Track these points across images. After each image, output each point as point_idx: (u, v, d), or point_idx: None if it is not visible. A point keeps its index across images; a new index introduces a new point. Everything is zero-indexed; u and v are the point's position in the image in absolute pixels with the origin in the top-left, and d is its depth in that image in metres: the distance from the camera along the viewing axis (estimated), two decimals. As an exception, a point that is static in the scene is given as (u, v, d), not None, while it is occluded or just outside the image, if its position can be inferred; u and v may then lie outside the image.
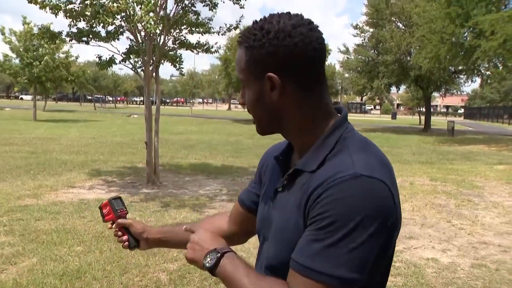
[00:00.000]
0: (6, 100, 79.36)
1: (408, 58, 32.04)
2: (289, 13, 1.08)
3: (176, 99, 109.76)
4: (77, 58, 35.65)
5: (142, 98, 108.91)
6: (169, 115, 44.77)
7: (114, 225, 1.68)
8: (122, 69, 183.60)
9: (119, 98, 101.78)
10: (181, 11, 9.95)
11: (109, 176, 10.86)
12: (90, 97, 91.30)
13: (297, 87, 1.06)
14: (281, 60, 1.03)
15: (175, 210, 7.78)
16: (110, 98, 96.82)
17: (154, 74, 10.16)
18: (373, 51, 35.10)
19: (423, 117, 40.43)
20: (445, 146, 22.55)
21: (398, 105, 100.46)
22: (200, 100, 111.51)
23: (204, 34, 10.40)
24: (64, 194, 8.77)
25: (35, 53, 29.85)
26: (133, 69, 10.63)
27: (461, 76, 33.19)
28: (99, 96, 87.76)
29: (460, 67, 29.61)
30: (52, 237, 5.96)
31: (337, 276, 0.90)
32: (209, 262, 1.15)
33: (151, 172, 9.99)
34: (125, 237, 1.65)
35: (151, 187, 9.68)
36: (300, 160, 1.10)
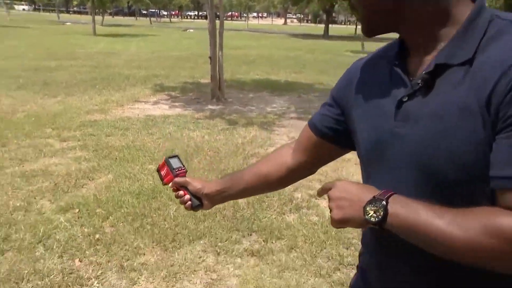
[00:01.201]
0: (66, 15, 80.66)
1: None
2: None
3: (230, 13, 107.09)
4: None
5: (196, 13, 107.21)
6: (226, 29, 43.69)
7: (171, 185, 1.48)
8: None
9: (173, 13, 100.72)
10: None
11: (172, 92, 10.69)
12: (145, 12, 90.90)
13: None
14: None
15: (244, 128, 7.49)
16: (165, 13, 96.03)
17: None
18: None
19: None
20: None
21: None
22: (255, 14, 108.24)
23: None
24: (130, 110, 8.69)
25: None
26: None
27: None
28: (154, 10, 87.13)
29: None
30: (124, 154, 5.88)
31: None
32: (376, 215, 0.90)
33: (216, 88, 9.66)
34: (186, 197, 1.43)
35: (216, 104, 9.41)
36: (439, 54, 0.90)
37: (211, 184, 1.44)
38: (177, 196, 1.46)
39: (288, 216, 4.23)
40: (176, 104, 9.39)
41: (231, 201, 4.43)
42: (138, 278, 3.09)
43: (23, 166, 5.28)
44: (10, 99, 9.27)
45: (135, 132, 7.04)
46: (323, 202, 4.56)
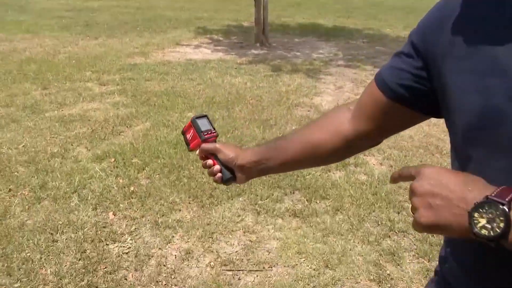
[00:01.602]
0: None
1: None
2: None
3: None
4: None
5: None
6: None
7: (198, 152, 1.22)
8: None
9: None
10: None
11: (215, 35, 10.29)
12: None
13: None
14: None
15: (288, 76, 7.08)
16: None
17: None
18: None
19: None
20: None
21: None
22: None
23: None
24: (171, 53, 8.42)
25: None
26: None
27: None
28: None
29: None
30: (163, 100, 5.67)
31: None
32: (490, 226, 0.60)
33: (260, 31, 9.18)
34: (216, 168, 1.17)
35: (259, 48, 8.97)
36: None
37: (246, 153, 1.15)
38: (205, 166, 1.19)
39: (334, 173, 3.92)
40: (218, 48, 9.02)
41: (273, 155, 4.16)
42: (173, 236, 2.92)
43: (62, 111, 5.18)
44: (53, 40, 9.20)
45: (175, 77, 6.80)
46: (373, 160, 4.21)
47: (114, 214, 3.14)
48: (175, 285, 2.49)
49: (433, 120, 3.96)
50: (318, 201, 3.44)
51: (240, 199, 3.43)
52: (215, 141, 1.20)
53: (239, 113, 5.28)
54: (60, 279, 2.48)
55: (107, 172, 3.72)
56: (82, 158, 3.97)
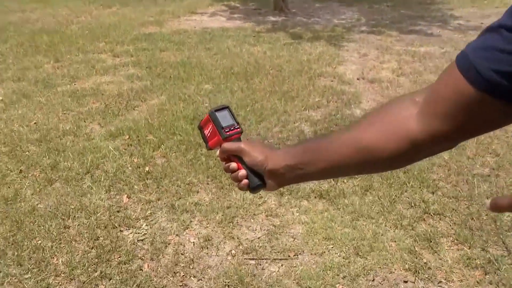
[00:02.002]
0: None
1: None
2: None
3: None
4: None
5: None
6: None
7: (218, 152, 0.99)
8: None
9: None
10: None
11: (232, 2, 9.89)
12: None
13: None
14: None
15: (309, 44, 6.73)
16: None
17: None
18: None
19: None
20: None
21: None
22: None
23: None
24: (186, 22, 8.11)
25: None
26: None
27: None
28: None
29: None
30: (179, 71, 5.42)
31: None
32: None
33: (278, -3, 8.77)
34: (241, 173, 0.94)
35: (278, 15, 8.57)
36: None
37: (278, 156, 0.91)
38: (228, 170, 0.97)
39: (361, 149, 3.65)
40: (235, 16, 8.65)
41: (295, 129, 3.92)
42: (191, 221, 2.73)
43: (74, 84, 4.99)
44: (66, 9, 8.96)
45: (191, 47, 6.52)
46: (402, 133, 3.92)
47: (129, 197, 2.96)
48: (194, 276, 2.32)
49: None
50: (345, 181, 3.20)
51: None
52: (239, 139, 0.97)
53: (259, 85, 5.01)
54: (72, 270, 2.33)
55: (121, 150, 3.53)
56: (95, 135, 3.79)
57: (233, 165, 0.94)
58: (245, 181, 0.93)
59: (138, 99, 4.60)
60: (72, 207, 2.83)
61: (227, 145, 0.95)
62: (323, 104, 4.54)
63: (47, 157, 3.41)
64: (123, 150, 3.54)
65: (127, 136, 3.75)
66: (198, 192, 3.03)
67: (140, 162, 3.36)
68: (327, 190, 3.07)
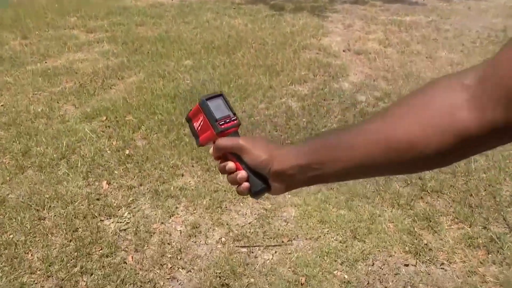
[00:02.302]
0: None
1: None
2: None
3: None
4: None
5: None
6: None
7: (212, 150, 0.80)
8: None
9: None
10: None
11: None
12: None
13: None
14: None
15: (292, 15, 6.49)
16: None
17: None
18: None
19: None
20: None
21: None
22: None
23: None
24: (163, -6, 7.73)
25: None
26: None
27: None
28: None
29: None
30: (157, 47, 5.14)
31: None
32: None
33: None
34: (241, 174, 0.76)
35: (258, -14, 8.25)
36: None
37: (286, 154, 0.74)
38: (224, 171, 0.79)
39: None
40: (214, -14, 8.30)
41: (282, 105, 3.74)
42: (176, 207, 2.55)
43: (45, 63, 4.68)
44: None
45: (168, 21, 6.21)
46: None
47: (108, 183, 2.76)
48: (182, 268, 2.16)
49: (454, 59, 3.41)
50: (337, 159, 3.05)
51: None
52: (236, 133, 0.79)
53: (242, 59, 4.78)
54: (49, 266, 2.14)
55: (98, 133, 3.30)
56: (69, 117, 3.54)
57: (231, 165, 0.76)
58: (246, 184, 0.75)
59: (114, 77, 4.34)
60: (47, 196, 2.62)
61: (223, 141, 0.76)
62: (309, 78, 4.35)
63: (18, 142, 3.16)
64: (101, 132, 3.31)
65: (105, 117, 3.52)
66: (182, 175, 2.84)
67: (120, 145, 3.14)
68: (319, 169, 2.92)
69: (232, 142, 0.75)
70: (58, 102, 3.78)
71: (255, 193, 0.75)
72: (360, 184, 2.77)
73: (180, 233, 2.37)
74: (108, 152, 3.06)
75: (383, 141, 0.66)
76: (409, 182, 2.81)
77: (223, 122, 0.77)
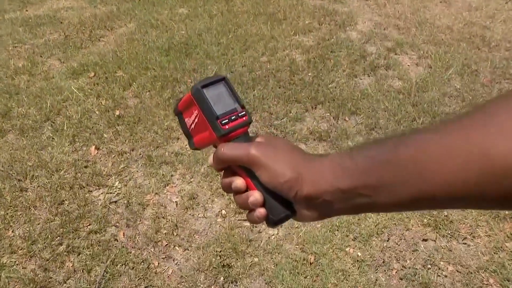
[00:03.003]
0: None
1: None
2: None
3: None
4: None
5: None
6: None
7: (211, 159, 0.53)
8: None
9: None
10: None
11: None
12: None
13: None
14: None
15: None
16: None
17: None
18: None
19: None
20: None
21: None
22: None
23: None
24: None
25: None
26: None
27: None
28: None
29: None
30: (149, -7, 4.73)
31: None
32: None
33: None
34: (254, 197, 0.50)
35: None
36: None
37: (322, 171, 0.49)
38: (228, 189, 0.54)
39: (361, 79, 3.22)
40: None
41: (285, 58, 3.43)
42: (171, 176, 2.33)
43: (26, 11, 4.30)
44: None
45: (161, -36, 5.72)
46: (406, 59, 3.48)
47: (97, 149, 2.52)
48: (179, 246, 1.96)
49: (472, 3, 3.02)
50: (347, 118, 2.80)
51: (252, 118, 2.78)
52: (246, 135, 0.54)
53: (241, 6, 4.40)
54: (32, 244, 1.94)
55: (86, 91, 3.02)
56: (54, 74, 3.25)
57: (239, 182, 0.51)
58: (262, 211, 0.51)
59: (103, 27, 3.99)
60: (29, 164, 2.39)
61: (227, 149, 0.51)
62: (314, 27, 4.00)
63: (-3, 102, 2.90)
64: (89, 90, 3.04)
65: (93, 74, 3.22)
66: (178, 139, 2.60)
67: (109, 104, 2.88)
68: (327, 130, 2.67)
69: (241, 151, 0.50)
70: (41, 56, 3.47)
71: (275, 223, 0.51)
72: (372, 147, 2.53)
73: (176, 205, 2.16)
74: (97, 113, 2.80)
75: (482, 164, 0.40)
76: (425, 144, 2.57)
77: (226, 120, 0.52)
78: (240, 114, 0.52)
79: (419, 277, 1.83)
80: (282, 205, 0.50)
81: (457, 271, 1.86)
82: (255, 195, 0.50)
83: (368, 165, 0.46)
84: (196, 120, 0.54)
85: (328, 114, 2.83)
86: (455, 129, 0.43)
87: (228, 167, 0.53)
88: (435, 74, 3.24)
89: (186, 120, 0.56)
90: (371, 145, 0.48)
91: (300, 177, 0.48)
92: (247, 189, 0.51)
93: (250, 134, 0.55)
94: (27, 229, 2.01)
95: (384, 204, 0.46)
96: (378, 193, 0.45)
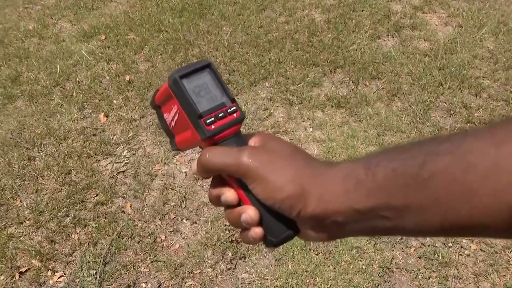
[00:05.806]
0: None
1: None
2: None
3: None
4: None
5: None
6: None
7: (196, 167, 0.42)
8: None
9: None
10: None
11: None
12: None
13: None
14: None
15: None
16: None
17: None
18: None
19: None
20: None
21: None
22: None
23: None
24: None
25: None
26: None
27: None
28: None
29: None
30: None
31: None
32: None
33: None
34: (248, 215, 0.40)
35: None
36: None
37: (332, 185, 0.38)
38: (217, 202, 0.43)
39: (384, 41, 3.02)
40: None
41: (304, 18, 3.24)
42: (181, 145, 2.24)
43: (39, -28, 4.17)
44: None
45: None
46: (434, 18, 3.24)
47: (106, 116, 2.45)
48: (187, 219, 1.90)
49: None
50: (367, 83, 2.64)
51: (266, 84, 2.65)
52: (238, 135, 0.43)
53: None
54: (39, 215, 1.91)
55: (96, 55, 2.93)
56: (64, 36, 3.15)
57: (229, 195, 0.42)
58: (258, 231, 0.41)
59: (115, -14, 3.83)
60: (38, 132, 2.34)
61: (213, 155, 0.41)
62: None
63: (6, 66, 2.83)
64: (99, 54, 2.94)
65: (103, 36, 3.12)
66: (189, 106, 2.49)
67: (120, 69, 2.78)
68: (345, 96, 2.53)
69: (230, 159, 0.39)
70: (52, 18, 3.37)
71: (274, 245, 0.41)
72: (393, 115, 2.39)
73: (185, 175, 2.09)
74: (107, 78, 2.71)
75: None
76: (451, 112, 2.40)
77: (212, 119, 0.41)
78: (229, 110, 0.42)
79: (439, 256, 1.72)
80: (283, 223, 0.40)
81: (481, 249, 1.75)
82: (249, 212, 0.40)
83: (390, 180, 0.35)
84: (176, 117, 0.43)
85: (348, 78, 2.67)
86: (500, 145, 0.31)
87: (219, 178, 0.42)
88: (465, 34, 3.00)
89: (165, 116, 0.45)
90: (391, 153, 0.36)
91: (304, 192, 0.37)
92: (239, 202, 0.41)
93: (244, 133, 0.44)
94: (34, 199, 1.97)
95: (409, 230, 0.36)
96: (403, 216, 0.35)
